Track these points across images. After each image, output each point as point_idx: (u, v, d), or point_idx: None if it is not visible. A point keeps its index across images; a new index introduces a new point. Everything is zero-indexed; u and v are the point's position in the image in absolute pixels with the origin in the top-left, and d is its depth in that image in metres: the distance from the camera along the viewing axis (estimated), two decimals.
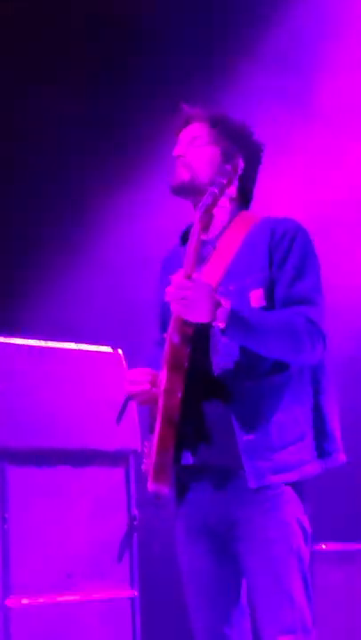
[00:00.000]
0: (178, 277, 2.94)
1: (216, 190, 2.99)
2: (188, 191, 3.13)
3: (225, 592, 3.04)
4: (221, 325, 2.91)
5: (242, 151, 3.14)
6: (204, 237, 3.04)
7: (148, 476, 3.01)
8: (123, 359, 4.56)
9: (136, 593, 4.38)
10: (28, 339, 4.36)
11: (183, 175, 3.12)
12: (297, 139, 5.53)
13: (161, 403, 2.98)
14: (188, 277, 2.93)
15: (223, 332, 2.92)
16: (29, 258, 5.94)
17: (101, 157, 5.92)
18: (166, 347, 3.01)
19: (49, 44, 5.79)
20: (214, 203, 2.99)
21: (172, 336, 2.99)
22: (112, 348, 4.61)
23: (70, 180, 5.91)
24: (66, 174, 5.90)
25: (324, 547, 4.98)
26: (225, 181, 3.00)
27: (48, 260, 5.96)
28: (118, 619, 4.32)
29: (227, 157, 3.11)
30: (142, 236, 5.83)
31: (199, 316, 2.92)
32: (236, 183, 3.06)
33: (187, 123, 3.20)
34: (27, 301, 5.88)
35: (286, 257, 3.03)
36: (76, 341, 4.52)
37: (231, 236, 3.12)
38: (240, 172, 3.06)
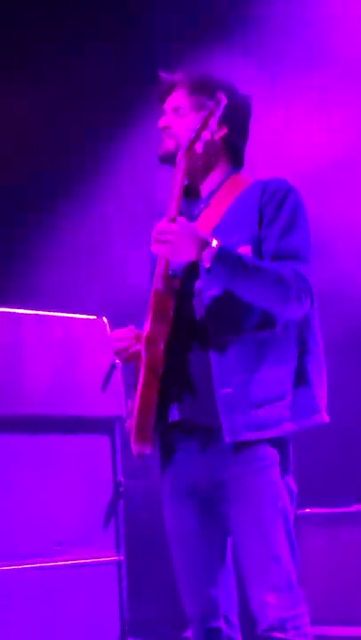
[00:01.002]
0: (161, 222, 2.96)
1: (198, 125, 3.02)
2: (175, 159, 3.13)
3: (211, 552, 3.07)
4: (207, 264, 2.92)
5: (227, 106, 3.11)
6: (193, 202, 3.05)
7: (131, 435, 3.03)
8: (107, 327, 4.57)
9: (122, 557, 4.42)
10: (12, 307, 4.37)
11: (169, 145, 3.14)
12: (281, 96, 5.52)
13: (144, 353, 2.99)
14: (173, 220, 2.95)
15: (208, 270, 2.93)
16: (14, 226, 5.94)
17: (87, 123, 5.90)
18: (151, 297, 3.02)
19: None
20: (197, 137, 3.02)
21: (157, 286, 3.00)
22: (96, 315, 4.62)
23: (57, 145, 5.90)
24: (53, 138, 5.89)
25: (308, 510, 5.03)
26: (206, 113, 3.02)
27: (33, 227, 5.96)
28: (105, 583, 4.36)
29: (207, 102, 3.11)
30: (129, 203, 5.84)
31: (184, 255, 2.94)
32: (218, 114, 3.05)
33: (169, 91, 3.20)
34: (10, 269, 5.88)
35: (276, 214, 3.04)
36: (61, 310, 4.53)
37: (223, 195, 3.13)
38: (223, 105, 3.05)
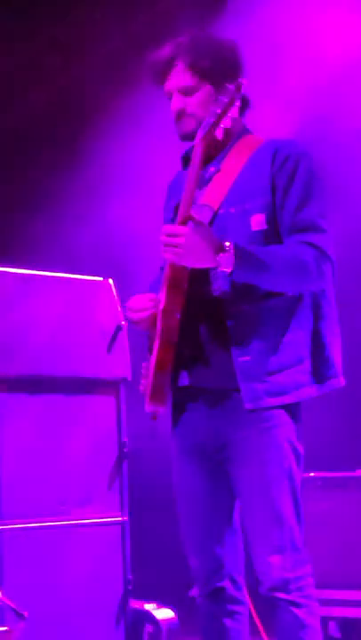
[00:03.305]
0: (168, 226, 2.92)
1: (218, 110, 2.96)
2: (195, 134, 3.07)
3: (217, 512, 3.07)
4: (227, 270, 2.89)
5: (233, 70, 3.08)
6: (205, 164, 3.02)
7: (145, 396, 3.02)
8: (113, 288, 4.56)
9: (126, 518, 4.44)
10: (19, 267, 4.36)
11: (190, 125, 3.08)
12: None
13: (159, 323, 2.98)
14: (185, 221, 2.90)
15: (230, 274, 2.90)
16: (20, 188, 5.93)
17: (96, 83, 5.87)
18: (166, 268, 3.00)
19: None
20: (217, 122, 2.97)
21: (170, 261, 2.97)
22: (102, 277, 4.61)
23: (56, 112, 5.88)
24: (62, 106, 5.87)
25: (312, 474, 5.04)
26: (227, 100, 2.96)
27: (38, 189, 5.95)
28: (108, 543, 4.38)
29: (219, 85, 3.04)
30: (136, 166, 5.81)
31: (197, 260, 2.90)
32: (238, 103, 3.00)
33: (166, 71, 3.10)
34: (17, 230, 5.88)
35: (290, 183, 3.00)
36: (68, 271, 4.52)
37: (234, 159, 3.09)
38: (243, 90, 2.99)
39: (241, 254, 2.88)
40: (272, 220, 3.00)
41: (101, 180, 6.07)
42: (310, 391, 3.01)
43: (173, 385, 3.05)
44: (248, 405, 2.95)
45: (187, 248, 2.88)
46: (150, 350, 3.05)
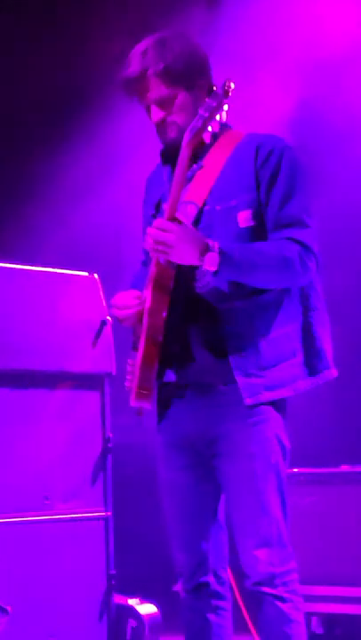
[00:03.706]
0: (159, 220, 2.92)
1: (206, 114, 2.96)
2: (180, 140, 3.07)
3: (203, 506, 3.08)
4: (212, 269, 2.90)
5: (202, 69, 3.08)
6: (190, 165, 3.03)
7: (131, 392, 3.03)
8: (98, 283, 4.56)
9: (109, 513, 4.43)
10: (4, 262, 4.35)
11: (172, 133, 3.08)
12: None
13: (145, 322, 2.99)
14: (173, 219, 2.92)
15: (215, 273, 2.91)
16: (3, 181, 5.91)
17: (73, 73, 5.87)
18: (152, 266, 3.00)
19: None
20: (204, 126, 2.97)
21: (158, 259, 2.98)
22: (88, 272, 4.61)
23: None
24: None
25: (296, 470, 5.05)
26: (215, 104, 2.96)
27: (25, 181, 5.93)
28: (92, 538, 4.38)
29: (193, 87, 3.06)
30: (120, 160, 5.80)
31: (183, 258, 2.92)
32: (225, 107, 2.97)
33: (140, 86, 3.07)
34: (3, 225, 5.86)
35: (274, 178, 3.01)
36: (54, 266, 4.51)
37: (216, 155, 3.09)
38: (231, 93, 2.96)
39: (226, 253, 2.90)
40: (258, 215, 3.01)
41: (88, 175, 6.06)
42: (305, 383, 3.04)
43: (159, 381, 3.06)
44: (248, 401, 2.97)
45: (176, 244, 2.88)
46: (135, 347, 3.06)
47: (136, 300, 3.06)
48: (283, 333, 3.00)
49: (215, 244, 2.89)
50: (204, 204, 3.04)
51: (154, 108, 3.09)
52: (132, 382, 3.04)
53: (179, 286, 3.00)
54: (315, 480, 5.05)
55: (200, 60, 3.10)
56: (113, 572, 4.40)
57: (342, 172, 5.44)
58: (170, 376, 3.06)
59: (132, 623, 4.44)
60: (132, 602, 4.47)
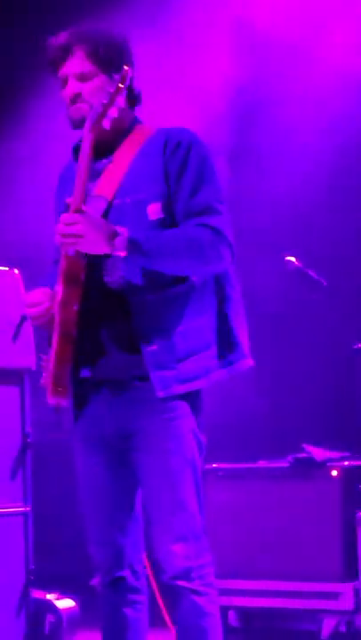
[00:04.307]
0: (65, 215, 2.92)
1: (105, 100, 2.96)
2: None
3: (120, 501, 3.08)
4: (122, 254, 2.91)
5: (126, 62, 3.09)
6: (98, 158, 3.03)
7: (47, 389, 3.03)
8: (19, 278, 4.54)
9: (29, 508, 4.43)
10: None
11: (82, 110, 3.08)
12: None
13: (57, 316, 2.99)
14: (78, 210, 2.92)
15: (125, 259, 2.92)
16: None
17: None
18: (62, 260, 3.00)
19: None
20: (104, 113, 2.97)
21: (67, 252, 2.97)
22: (8, 267, 4.59)
23: None
24: None
25: (214, 465, 5.09)
26: (112, 90, 2.96)
27: None
28: (10, 534, 4.36)
29: (112, 78, 3.06)
30: (39, 155, 5.78)
31: (93, 246, 2.91)
32: (124, 92, 2.99)
33: (63, 57, 3.11)
34: None
35: (183, 170, 3.03)
36: None
37: (126, 150, 3.10)
38: (128, 80, 2.99)
39: (134, 237, 2.91)
40: (168, 208, 3.03)
41: (10, 168, 6.03)
42: (219, 374, 3.05)
43: (74, 377, 3.06)
44: (160, 394, 2.97)
45: (84, 233, 2.89)
46: (50, 343, 3.05)
47: (46, 297, 3.06)
48: (196, 325, 3.01)
49: (124, 230, 2.91)
50: (114, 198, 3.05)
51: (71, 81, 3.10)
52: (47, 379, 3.04)
53: (90, 280, 2.99)
54: (233, 475, 5.10)
55: (125, 55, 3.12)
56: (32, 567, 4.40)
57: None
58: (85, 372, 3.06)
59: (50, 618, 4.44)
60: (50, 597, 4.48)
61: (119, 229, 2.91)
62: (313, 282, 5.00)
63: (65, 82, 3.12)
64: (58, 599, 4.48)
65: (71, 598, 4.52)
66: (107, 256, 2.96)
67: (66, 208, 3.01)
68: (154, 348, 2.97)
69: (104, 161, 3.11)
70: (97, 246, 2.92)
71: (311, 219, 5.72)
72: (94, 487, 3.10)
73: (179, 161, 3.03)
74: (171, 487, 2.98)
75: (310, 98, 5.62)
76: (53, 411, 3.04)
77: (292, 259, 5.02)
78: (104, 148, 3.09)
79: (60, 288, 3.00)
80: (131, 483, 3.08)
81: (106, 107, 2.96)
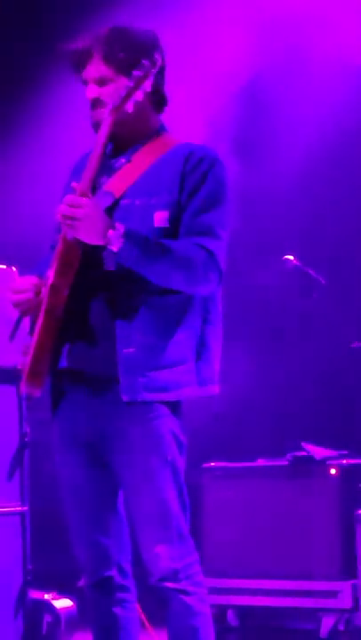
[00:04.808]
0: (70, 196, 2.92)
1: (131, 84, 2.97)
2: (114, 130, 3.07)
3: (102, 501, 3.06)
4: (114, 249, 2.90)
5: (148, 56, 3.04)
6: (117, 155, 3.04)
7: (23, 376, 3.02)
8: (17, 276, 4.53)
9: (26, 508, 4.43)
10: None
11: (103, 114, 3.05)
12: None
13: (45, 299, 2.97)
14: (84, 195, 2.92)
15: (116, 255, 2.91)
16: None
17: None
18: (59, 245, 2.98)
19: None
20: (129, 95, 2.97)
21: (66, 234, 2.96)
22: (6, 265, 4.58)
23: None
24: None
25: (213, 464, 5.09)
26: (141, 74, 2.96)
27: None
28: (8, 534, 4.36)
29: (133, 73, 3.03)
30: (45, 153, 5.78)
31: (90, 236, 2.90)
32: (152, 78, 2.99)
33: (83, 61, 3.11)
34: None
35: (198, 186, 3.02)
36: None
37: (147, 153, 3.09)
38: (157, 67, 2.99)
39: (131, 235, 2.90)
40: (175, 220, 3.01)
41: (12, 166, 6.03)
42: (190, 392, 3.01)
43: (53, 368, 3.04)
44: (125, 397, 2.95)
45: (83, 218, 2.88)
46: (32, 332, 3.03)
47: (33, 285, 3.04)
48: (177, 339, 2.99)
49: (121, 226, 2.90)
50: (123, 197, 3.04)
51: (91, 86, 3.09)
52: (24, 365, 3.01)
53: (84, 271, 2.98)
54: (231, 474, 5.09)
55: (149, 53, 3.07)
56: (29, 566, 4.39)
57: None
58: (62, 361, 3.03)
59: (47, 618, 4.44)
60: (47, 596, 4.47)
61: (117, 224, 2.90)
62: (312, 280, 4.99)
63: (86, 84, 3.12)
64: (55, 599, 4.48)
65: (69, 598, 4.51)
66: (102, 248, 2.94)
67: (72, 192, 3.01)
68: (130, 351, 2.95)
69: (122, 160, 3.10)
70: (91, 235, 2.90)
71: (313, 214, 5.70)
72: (74, 486, 3.08)
73: (197, 177, 3.02)
74: (150, 488, 2.96)
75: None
76: (26, 399, 3.01)
77: (291, 257, 5.02)
78: (124, 144, 3.10)
79: (51, 273, 2.98)
80: (111, 483, 3.05)
81: (131, 89, 2.96)
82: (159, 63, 3.01)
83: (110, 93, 3.05)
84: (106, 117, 2.99)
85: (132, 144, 3.11)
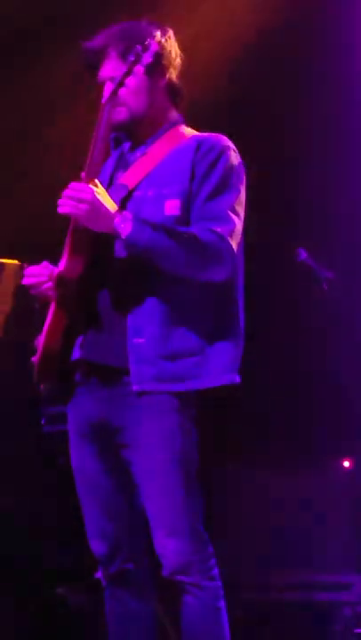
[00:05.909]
0: (75, 182, 2.92)
1: (125, 68, 2.99)
2: (130, 125, 3.12)
3: (115, 494, 3.06)
4: (124, 233, 2.90)
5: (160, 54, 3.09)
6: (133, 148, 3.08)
7: (34, 370, 3.03)
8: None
9: None
10: None
11: (121, 114, 3.09)
12: None
13: (56, 289, 2.98)
14: (90, 182, 2.92)
15: (126, 240, 2.91)
16: None
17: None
18: (70, 232, 2.98)
19: None
20: (122, 81, 2.99)
21: (76, 224, 2.96)
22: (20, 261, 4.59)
23: None
24: None
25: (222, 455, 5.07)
26: (133, 58, 2.99)
27: None
28: None
29: (153, 77, 3.10)
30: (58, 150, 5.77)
31: (96, 223, 2.91)
32: (145, 60, 3.01)
33: (98, 60, 3.13)
34: None
35: (208, 173, 3.02)
36: None
37: (161, 146, 3.11)
38: (152, 52, 3.01)
39: (139, 221, 2.90)
40: (186, 208, 3.02)
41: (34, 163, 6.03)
42: (199, 383, 3.00)
43: (67, 360, 3.04)
44: (135, 387, 2.95)
45: (90, 203, 2.88)
46: (43, 319, 3.04)
47: (46, 270, 3.04)
48: (189, 330, 2.98)
49: (129, 213, 2.91)
50: (136, 189, 3.05)
51: (108, 85, 3.10)
52: (35, 360, 3.03)
53: (95, 262, 2.98)
54: (243, 466, 5.07)
55: (167, 54, 3.12)
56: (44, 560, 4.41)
57: None
58: (75, 352, 3.03)
59: (60, 612, 4.45)
60: (60, 590, 4.48)
61: (126, 212, 2.91)
62: (320, 274, 4.97)
63: (104, 84, 3.12)
64: (68, 593, 4.49)
65: (81, 592, 4.52)
66: (113, 237, 2.94)
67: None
68: (141, 341, 2.95)
69: (137, 153, 3.12)
70: (100, 221, 2.90)
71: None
72: (88, 479, 3.08)
73: (207, 164, 3.03)
74: (159, 481, 2.95)
75: None
76: (38, 389, 3.03)
77: (303, 249, 4.99)
78: (141, 139, 3.12)
79: (62, 262, 2.99)
80: (125, 474, 3.04)
81: (124, 75, 2.99)
82: (153, 48, 3.01)
83: (127, 93, 3.07)
84: (102, 111, 3.01)
85: (148, 137, 3.12)
